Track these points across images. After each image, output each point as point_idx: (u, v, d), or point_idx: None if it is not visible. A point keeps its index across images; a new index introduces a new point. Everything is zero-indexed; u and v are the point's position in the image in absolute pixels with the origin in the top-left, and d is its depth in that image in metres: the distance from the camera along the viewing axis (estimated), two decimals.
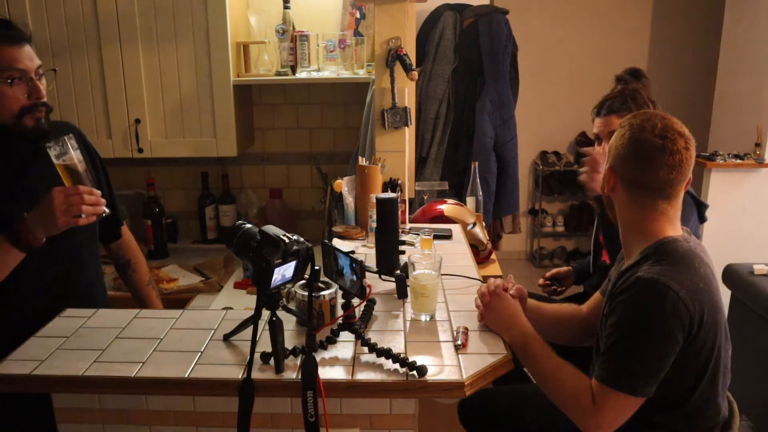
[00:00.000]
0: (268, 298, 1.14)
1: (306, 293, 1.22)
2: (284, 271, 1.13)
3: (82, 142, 1.69)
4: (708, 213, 1.89)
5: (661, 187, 1.25)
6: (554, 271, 2.31)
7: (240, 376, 1.16)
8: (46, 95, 1.48)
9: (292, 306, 1.37)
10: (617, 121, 1.84)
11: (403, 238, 1.82)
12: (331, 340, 1.26)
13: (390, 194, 1.66)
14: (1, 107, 1.41)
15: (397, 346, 1.27)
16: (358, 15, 2.56)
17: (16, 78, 1.41)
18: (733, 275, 2.69)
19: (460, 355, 1.23)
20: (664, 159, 1.23)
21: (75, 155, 1.40)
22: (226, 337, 1.31)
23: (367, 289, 1.34)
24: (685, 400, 1.25)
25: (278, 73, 2.49)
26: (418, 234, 1.91)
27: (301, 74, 2.46)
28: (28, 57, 1.44)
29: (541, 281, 2.31)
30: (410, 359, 1.16)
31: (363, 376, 1.16)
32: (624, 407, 1.19)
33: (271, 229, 1.14)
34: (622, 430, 1.22)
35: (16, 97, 1.42)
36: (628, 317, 1.20)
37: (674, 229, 1.30)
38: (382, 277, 1.62)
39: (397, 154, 2.30)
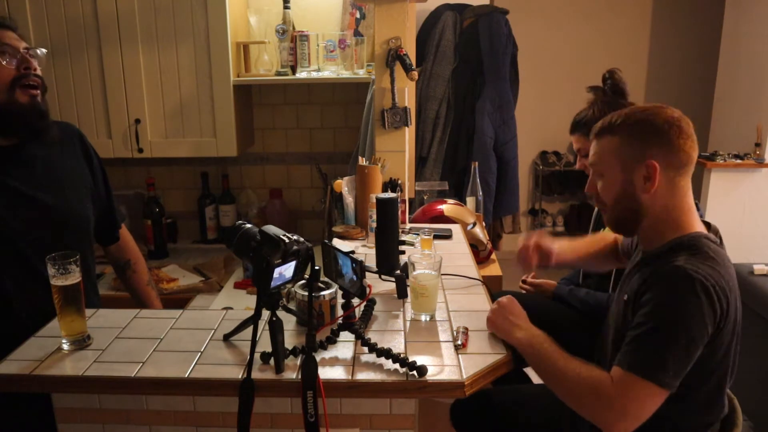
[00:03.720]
0: (268, 298, 1.14)
1: (306, 293, 1.22)
2: (284, 271, 1.13)
3: (82, 144, 1.69)
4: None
5: (691, 160, 1.27)
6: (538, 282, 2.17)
7: (240, 376, 1.16)
8: (38, 72, 1.48)
9: (292, 306, 1.37)
10: (582, 138, 1.85)
11: (403, 238, 1.82)
12: (331, 340, 1.26)
13: (390, 194, 1.66)
14: None
15: (397, 346, 1.27)
16: (358, 15, 2.56)
17: (6, 52, 1.42)
18: None
19: (460, 355, 1.23)
20: (689, 133, 1.26)
21: (75, 276, 1.26)
22: (226, 337, 1.31)
23: (367, 289, 1.34)
24: (695, 393, 1.25)
25: (278, 73, 2.49)
26: (418, 234, 1.91)
27: (301, 74, 2.46)
28: (14, 38, 1.46)
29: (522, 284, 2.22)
30: (410, 359, 1.16)
31: (363, 376, 1.16)
32: (650, 399, 1.16)
33: (271, 229, 1.14)
34: None
35: (7, 68, 1.43)
36: (665, 308, 1.17)
37: (702, 227, 1.30)
38: (382, 277, 1.62)
39: (397, 154, 2.30)
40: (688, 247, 1.24)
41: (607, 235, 1.70)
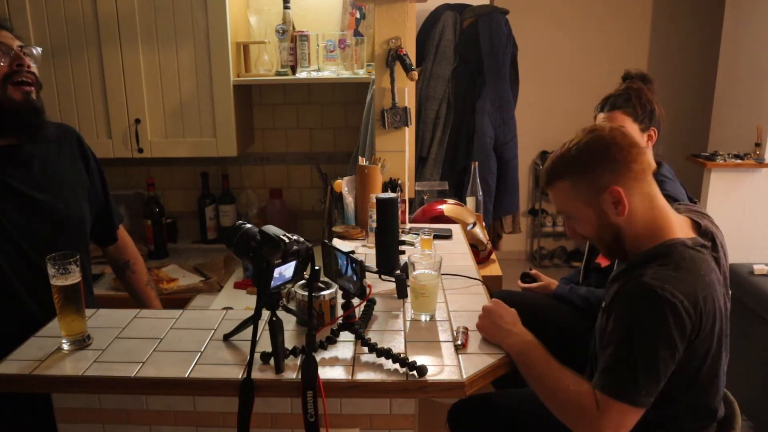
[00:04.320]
0: (268, 298, 1.14)
1: (306, 293, 1.22)
2: (284, 271, 1.14)
3: (80, 145, 1.70)
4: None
5: (646, 167, 1.26)
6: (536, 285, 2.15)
7: (240, 376, 1.16)
8: (32, 69, 1.48)
9: (292, 306, 1.37)
10: (621, 117, 1.85)
11: (403, 238, 1.82)
12: (331, 340, 1.26)
13: (390, 194, 1.66)
14: None
15: (397, 346, 1.27)
16: (358, 15, 2.56)
17: (4, 51, 1.42)
18: (733, 275, 2.69)
19: (460, 355, 1.23)
20: (628, 143, 1.25)
21: (75, 276, 1.27)
22: (226, 337, 1.31)
23: (367, 289, 1.34)
24: (679, 400, 1.25)
25: (278, 73, 2.49)
26: (418, 234, 1.91)
27: (301, 74, 2.46)
28: (8, 36, 1.46)
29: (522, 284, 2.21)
30: (410, 359, 1.16)
31: (363, 376, 1.16)
32: (626, 418, 1.16)
33: (271, 229, 1.14)
34: None
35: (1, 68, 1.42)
36: (631, 326, 1.17)
37: (682, 230, 1.28)
38: (382, 277, 1.62)
39: (397, 154, 2.30)
40: (661, 257, 1.22)
41: None
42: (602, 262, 1.96)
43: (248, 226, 1.20)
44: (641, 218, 1.26)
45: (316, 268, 1.19)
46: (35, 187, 1.52)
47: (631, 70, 1.98)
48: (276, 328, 1.15)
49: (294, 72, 2.48)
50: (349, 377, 1.16)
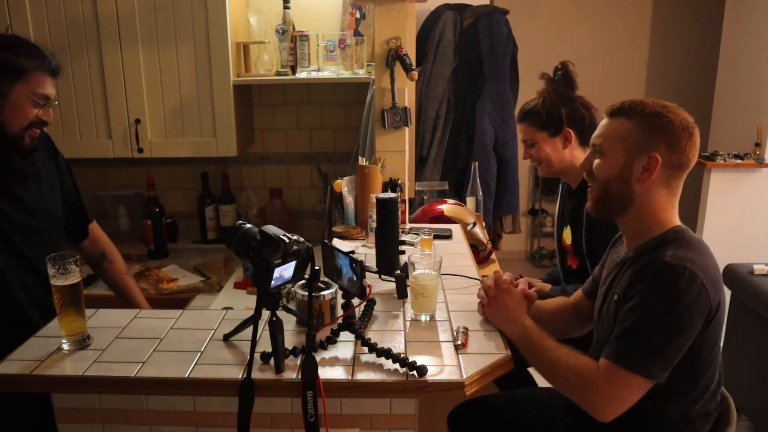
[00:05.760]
0: (268, 298, 1.14)
1: (306, 293, 1.22)
2: (284, 271, 1.14)
3: (50, 144, 1.73)
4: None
5: (690, 165, 1.30)
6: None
7: (240, 376, 1.16)
8: (49, 120, 1.56)
9: (292, 306, 1.37)
10: (525, 129, 1.92)
11: (403, 238, 1.82)
12: (331, 340, 1.26)
13: (390, 194, 1.66)
14: (18, 120, 1.48)
15: (397, 346, 1.27)
16: (358, 15, 2.56)
17: (43, 104, 1.51)
18: (733, 275, 2.69)
19: (460, 355, 1.23)
20: (695, 141, 1.30)
21: (75, 276, 1.27)
22: (226, 337, 1.31)
23: (367, 289, 1.34)
24: (692, 387, 1.26)
25: (278, 73, 2.49)
26: (418, 234, 1.91)
27: (301, 74, 2.46)
28: (51, 86, 1.56)
29: None
30: (410, 359, 1.16)
31: (363, 376, 1.16)
32: (635, 389, 1.18)
33: (271, 229, 1.15)
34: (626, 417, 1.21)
35: (33, 112, 1.50)
36: (653, 300, 1.19)
37: (678, 222, 1.32)
38: (382, 277, 1.62)
39: (397, 154, 2.30)
40: (674, 240, 1.25)
41: (564, 298, 1.64)
42: (572, 264, 1.95)
43: (248, 226, 1.20)
44: (655, 201, 1.28)
45: (316, 268, 1.19)
46: (17, 186, 1.55)
47: (555, 71, 1.97)
48: (276, 328, 1.15)
49: (294, 72, 2.48)
50: (349, 377, 1.16)
